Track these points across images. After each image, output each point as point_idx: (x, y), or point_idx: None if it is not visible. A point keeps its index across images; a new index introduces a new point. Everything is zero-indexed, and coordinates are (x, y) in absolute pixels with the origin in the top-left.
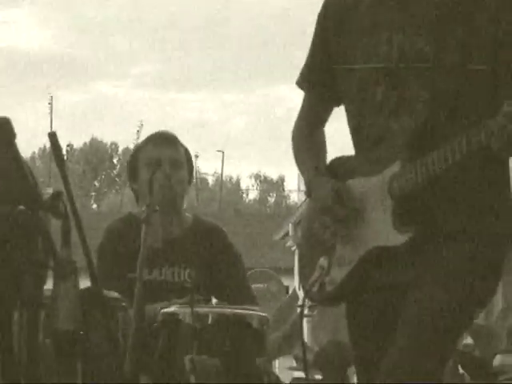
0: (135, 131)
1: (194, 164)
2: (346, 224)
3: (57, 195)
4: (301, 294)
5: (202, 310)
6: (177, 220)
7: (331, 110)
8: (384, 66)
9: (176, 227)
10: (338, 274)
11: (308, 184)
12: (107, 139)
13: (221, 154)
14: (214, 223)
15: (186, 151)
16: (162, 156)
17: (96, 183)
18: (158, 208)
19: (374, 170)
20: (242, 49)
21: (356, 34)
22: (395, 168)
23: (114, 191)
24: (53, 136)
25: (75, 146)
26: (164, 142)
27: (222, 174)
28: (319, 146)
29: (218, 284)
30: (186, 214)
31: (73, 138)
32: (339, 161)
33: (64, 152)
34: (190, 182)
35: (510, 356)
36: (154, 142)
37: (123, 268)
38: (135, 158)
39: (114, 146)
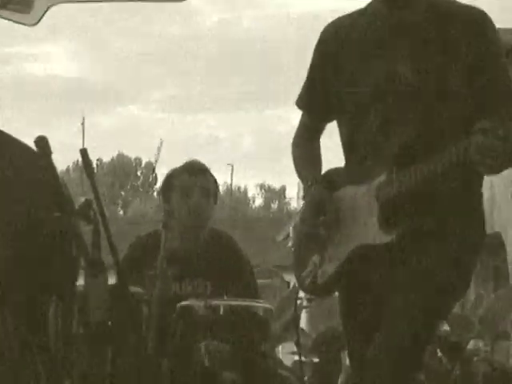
0: (156, 147)
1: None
2: (335, 226)
3: (87, 203)
4: (297, 285)
5: (214, 302)
6: (196, 235)
7: (324, 126)
8: (373, 90)
9: (195, 240)
10: (329, 269)
11: (304, 190)
12: (132, 154)
13: (230, 167)
14: (226, 233)
15: (214, 178)
16: (194, 185)
17: (122, 193)
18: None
19: (363, 179)
20: (250, 76)
21: (348, 63)
22: (382, 178)
23: (137, 200)
24: (84, 152)
25: (104, 161)
26: (197, 172)
27: (231, 184)
28: (315, 157)
29: (231, 285)
30: (206, 226)
31: (102, 153)
32: (334, 171)
33: (94, 166)
34: (215, 203)
35: (481, 341)
36: (188, 172)
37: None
38: (170, 183)
39: (138, 160)
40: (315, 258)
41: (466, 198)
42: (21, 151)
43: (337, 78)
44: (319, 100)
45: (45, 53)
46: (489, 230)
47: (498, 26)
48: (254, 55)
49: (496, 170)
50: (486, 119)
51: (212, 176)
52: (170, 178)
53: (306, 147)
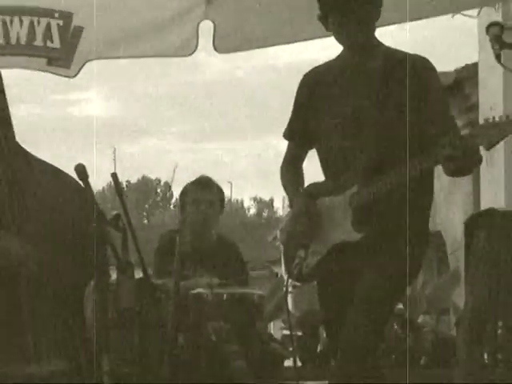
0: (172, 170)
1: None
2: (317, 227)
3: (117, 216)
4: (285, 276)
5: (219, 290)
6: (204, 239)
7: (306, 153)
8: (342, 121)
9: (204, 242)
10: (312, 261)
11: (290, 201)
12: (153, 176)
13: (230, 184)
14: (230, 239)
15: (219, 190)
16: (201, 198)
17: (146, 206)
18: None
19: (338, 191)
20: (245, 114)
21: (322, 101)
22: (354, 189)
23: (158, 211)
24: (115, 175)
25: (131, 182)
26: (204, 186)
27: (230, 198)
28: (299, 177)
29: (231, 277)
30: (212, 232)
31: (130, 176)
32: (314, 185)
33: (124, 186)
34: (221, 212)
35: (428, 316)
36: (197, 186)
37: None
38: (184, 195)
39: (158, 180)
40: (300, 252)
41: (417, 206)
42: (65, 177)
43: (314, 113)
44: (300, 131)
45: (82, 98)
46: (432, 229)
47: None
48: (249, 97)
49: (462, 173)
50: (445, 137)
51: (218, 188)
52: (184, 191)
53: (291, 169)
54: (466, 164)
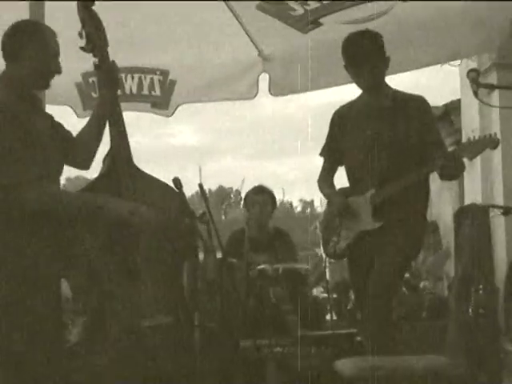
0: (241, 181)
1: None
2: (346, 219)
3: (203, 214)
4: (324, 255)
5: (276, 265)
6: (263, 229)
7: (337, 167)
8: (363, 143)
9: (263, 232)
10: (343, 244)
11: (328, 201)
12: (228, 185)
13: (282, 190)
14: (283, 229)
15: (271, 194)
16: (257, 200)
17: (223, 207)
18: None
19: (361, 192)
20: (293, 136)
21: (348, 129)
22: (372, 191)
23: (231, 211)
24: (201, 186)
25: (212, 190)
26: (257, 191)
27: (282, 200)
28: (331, 184)
29: (285, 256)
30: (269, 225)
31: (211, 185)
32: (343, 189)
33: (207, 192)
34: (272, 211)
35: (427, 282)
36: (253, 192)
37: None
38: (246, 199)
39: (231, 189)
40: (334, 238)
41: (419, 202)
42: (166, 187)
43: (341, 138)
44: (331, 151)
45: (177, 131)
46: (429, 219)
47: None
48: (296, 127)
49: (451, 178)
50: (438, 151)
51: (270, 193)
52: (246, 196)
53: (327, 179)
54: (454, 171)
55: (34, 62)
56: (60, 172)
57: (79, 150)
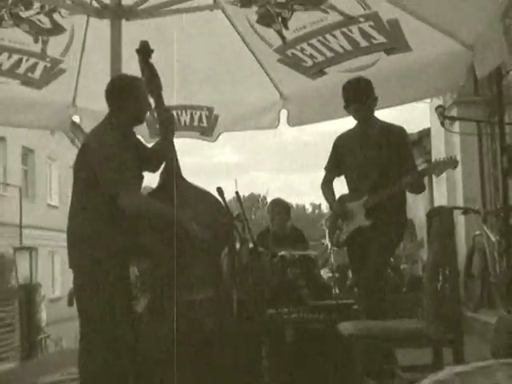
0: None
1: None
2: (345, 219)
3: (239, 214)
4: (329, 244)
5: (293, 252)
6: (283, 228)
7: (335, 178)
8: (358, 162)
9: (283, 229)
10: (343, 236)
11: (330, 206)
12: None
13: (296, 197)
14: (298, 227)
15: (286, 204)
16: (276, 210)
17: (253, 209)
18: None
19: (357, 198)
20: (307, 157)
21: (346, 152)
22: (366, 197)
23: (258, 212)
24: (237, 193)
25: (245, 196)
26: (276, 204)
27: (297, 204)
28: (332, 191)
29: (299, 246)
30: (287, 224)
31: (244, 192)
32: (343, 195)
33: (242, 198)
34: (287, 216)
35: (406, 264)
36: (273, 203)
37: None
38: (270, 206)
39: (259, 195)
40: (337, 232)
41: (400, 206)
42: (210, 195)
43: (341, 157)
44: (333, 166)
45: (220, 152)
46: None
47: None
48: (309, 150)
49: (416, 193)
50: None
51: (285, 203)
52: (269, 204)
53: (328, 187)
54: (418, 188)
55: (132, 112)
56: (142, 183)
57: (152, 162)
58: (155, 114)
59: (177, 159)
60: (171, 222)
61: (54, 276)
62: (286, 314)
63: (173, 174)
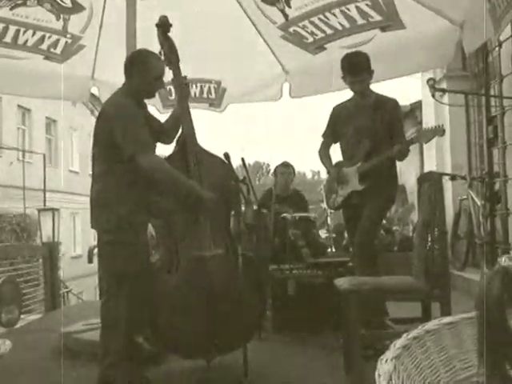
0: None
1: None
2: (341, 183)
3: (244, 178)
4: (326, 207)
5: (294, 214)
6: (286, 190)
7: (331, 145)
8: (353, 129)
9: (286, 192)
10: (339, 200)
11: (327, 170)
12: (262, 160)
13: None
14: (299, 190)
15: (292, 167)
16: (283, 171)
17: (258, 175)
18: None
19: (351, 164)
20: (307, 126)
21: (342, 120)
22: (359, 163)
23: (263, 177)
24: (243, 159)
25: (251, 164)
26: (284, 165)
27: (299, 171)
28: (329, 157)
29: (300, 208)
30: (290, 188)
31: (250, 160)
32: (338, 162)
33: (247, 165)
34: (292, 179)
35: (397, 226)
36: (280, 165)
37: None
38: (276, 169)
39: (263, 162)
40: (334, 196)
41: (391, 171)
42: (220, 159)
43: (337, 125)
44: (330, 134)
45: (226, 122)
46: (399, 183)
47: None
48: (309, 119)
49: (402, 158)
50: (400, 139)
51: (291, 166)
52: (276, 168)
53: (325, 153)
54: (403, 155)
55: (140, 82)
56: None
57: (166, 133)
58: (172, 84)
59: (192, 125)
60: (185, 183)
61: (76, 236)
62: (288, 270)
63: (189, 136)
